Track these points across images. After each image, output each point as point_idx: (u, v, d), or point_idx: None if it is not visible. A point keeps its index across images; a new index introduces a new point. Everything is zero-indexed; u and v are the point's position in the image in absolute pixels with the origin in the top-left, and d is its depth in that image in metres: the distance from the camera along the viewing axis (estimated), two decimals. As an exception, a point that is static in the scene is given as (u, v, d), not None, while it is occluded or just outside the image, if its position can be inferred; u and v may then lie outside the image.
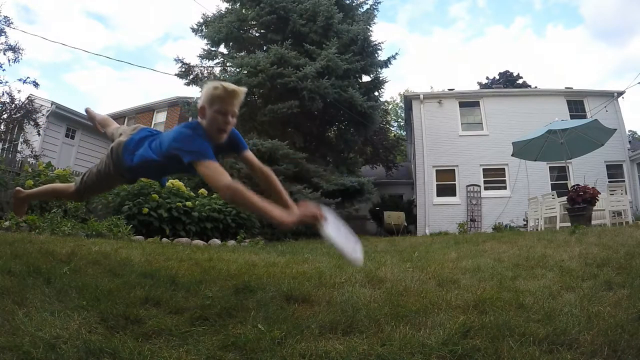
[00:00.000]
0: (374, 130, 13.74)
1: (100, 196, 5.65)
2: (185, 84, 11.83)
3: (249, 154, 1.88)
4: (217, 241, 5.54)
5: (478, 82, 26.45)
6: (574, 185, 6.67)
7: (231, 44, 11.86)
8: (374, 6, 12.54)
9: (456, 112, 13.95)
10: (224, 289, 1.76)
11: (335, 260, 2.98)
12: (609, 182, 10.86)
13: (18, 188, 2.36)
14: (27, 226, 3.93)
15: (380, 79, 12.26)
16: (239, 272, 2.24)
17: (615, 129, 8.91)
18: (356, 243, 1.62)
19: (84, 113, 2.71)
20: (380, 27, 46.86)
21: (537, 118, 11.65)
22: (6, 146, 9.89)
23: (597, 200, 6.32)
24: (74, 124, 11.69)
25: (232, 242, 5.64)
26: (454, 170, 13.34)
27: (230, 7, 11.96)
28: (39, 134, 9.31)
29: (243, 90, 1.67)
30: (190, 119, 13.75)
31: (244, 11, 11.62)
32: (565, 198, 6.63)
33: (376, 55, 11.67)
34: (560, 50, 50.26)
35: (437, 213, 12.89)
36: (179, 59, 11.65)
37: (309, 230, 9.81)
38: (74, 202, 4.94)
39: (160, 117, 17.02)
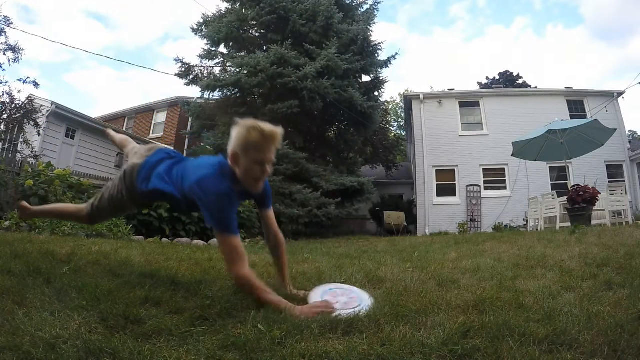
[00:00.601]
0: (374, 130, 13.76)
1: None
2: (185, 84, 11.86)
3: (271, 214, 1.79)
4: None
5: (478, 82, 26.48)
6: (574, 185, 6.67)
7: (231, 44, 11.86)
8: (374, 6, 12.56)
9: (456, 112, 13.96)
10: (224, 289, 1.76)
11: (335, 260, 2.98)
12: (609, 182, 10.86)
13: (24, 204, 2.21)
14: (27, 226, 3.93)
15: (380, 79, 12.28)
16: (239, 272, 2.23)
17: (615, 129, 8.91)
18: (363, 294, 1.61)
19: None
20: (380, 27, 46.94)
21: (537, 118, 11.66)
22: (6, 146, 9.89)
23: (597, 200, 6.32)
24: (74, 124, 11.68)
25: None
26: (454, 170, 13.34)
27: (230, 7, 11.97)
28: (39, 134, 9.30)
29: (281, 132, 1.50)
30: (190, 119, 13.77)
31: (244, 11, 11.63)
32: (565, 198, 6.63)
33: (376, 55, 11.68)
34: (560, 50, 50.36)
35: (437, 213, 12.89)
36: (179, 59, 11.67)
37: (309, 230, 9.82)
38: (74, 202, 4.95)
39: (160, 117, 17.02)
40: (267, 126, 1.47)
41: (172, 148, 1.95)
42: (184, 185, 1.54)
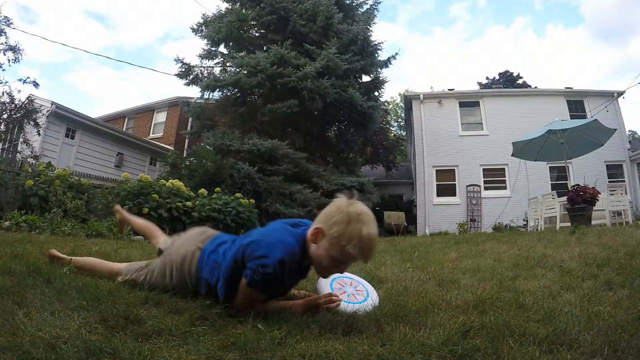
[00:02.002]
0: (374, 130, 13.77)
1: (100, 196, 5.65)
2: (185, 84, 11.85)
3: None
4: (217, 241, 5.53)
5: (478, 82, 26.48)
6: (574, 185, 6.67)
7: (231, 44, 11.87)
8: (374, 6, 12.56)
9: (456, 112, 13.96)
10: (224, 289, 1.76)
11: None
12: (609, 182, 10.87)
13: (53, 252, 1.93)
14: (27, 226, 3.93)
15: (380, 79, 12.28)
16: (239, 272, 2.23)
17: (615, 129, 8.92)
18: (371, 289, 1.61)
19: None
20: (380, 27, 46.96)
21: (537, 118, 11.66)
22: (6, 146, 9.89)
23: (597, 200, 6.32)
24: (74, 124, 11.69)
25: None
26: (454, 170, 13.35)
27: (230, 7, 11.97)
28: (39, 134, 9.32)
29: (376, 242, 1.30)
30: (190, 119, 13.76)
31: (244, 11, 11.63)
32: (565, 198, 6.63)
33: (376, 55, 11.68)
34: (560, 50, 50.36)
35: (437, 213, 12.90)
36: (179, 59, 11.67)
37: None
38: (74, 202, 4.94)
39: (160, 117, 17.03)
40: (369, 239, 1.24)
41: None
42: (246, 248, 1.30)
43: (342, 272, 1.38)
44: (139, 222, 2.27)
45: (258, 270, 1.23)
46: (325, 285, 1.61)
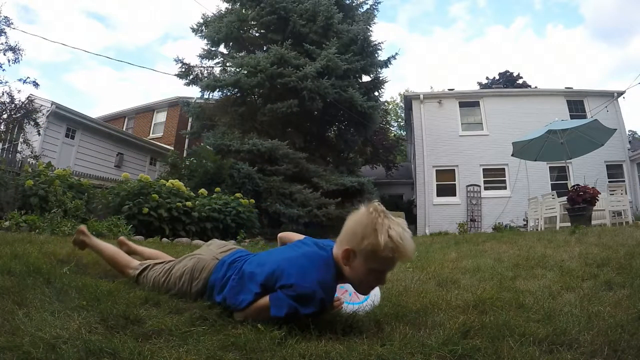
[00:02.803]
0: (374, 130, 13.76)
1: (100, 196, 5.65)
2: (185, 84, 11.84)
3: None
4: (218, 241, 5.53)
5: (478, 82, 26.47)
6: (574, 185, 6.67)
7: (231, 44, 11.86)
8: (374, 6, 12.55)
9: (456, 112, 13.96)
10: (224, 289, 1.76)
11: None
12: (609, 182, 10.87)
13: (83, 229, 2.00)
14: (27, 226, 3.92)
15: (380, 79, 12.27)
16: (239, 272, 2.23)
17: (615, 129, 8.92)
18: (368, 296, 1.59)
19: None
20: (380, 27, 46.84)
21: (537, 118, 11.67)
22: (6, 146, 9.89)
23: (597, 200, 6.32)
24: (74, 124, 11.69)
25: (232, 242, 5.63)
26: (454, 170, 13.35)
27: (230, 7, 11.97)
28: (39, 134, 9.31)
29: (413, 249, 1.22)
30: (190, 119, 13.76)
31: (244, 11, 11.63)
32: (565, 198, 6.63)
33: (376, 55, 11.67)
34: (560, 50, 50.36)
35: (437, 213, 12.90)
36: (179, 59, 11.66)
37: (309, 230, 9.82)
38: (74, 202, 4.94)
39: (160, 117, 17.03)
40: (401, 237, 1.19)
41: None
42: (274, 272, 1.26)
43: (384, 283, 1.31)
44: (108, 251, 1.94)
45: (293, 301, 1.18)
46: None
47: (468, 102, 14.12)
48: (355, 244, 1.21)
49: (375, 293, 1.57)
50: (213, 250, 1.62)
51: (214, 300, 1.42)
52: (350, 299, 1.51)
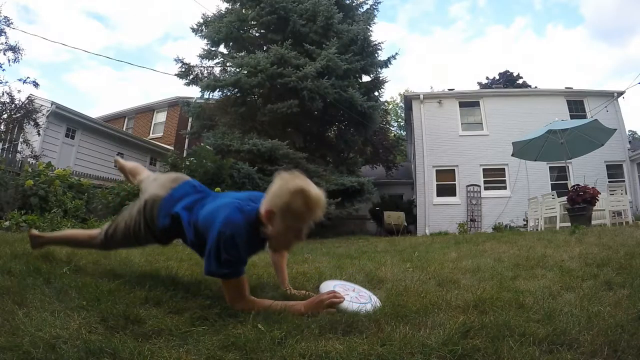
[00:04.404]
0: (374, 130, 13.76)
1: (100, 196, 5.65)
2: (185, 84, 11.84)
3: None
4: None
5: (478, 82, 26.48)
6: (574, 185, 6.67)
7: (231, 44, 11.86)
8: (374, 6, 12.55)
9: (456, 112, 13.96)
10: (224, 289, 1.76)
11: (335, 260, 2.99)
12: (609, 182, 10.87)
13: (34, 232, 2.07)
14: (27, 226, 3.93)
15: (380, 79, 12.27)
16: (239, 272, 2.23)
17: (615, 129, 8.92)
18: (370, 300, 1.60)
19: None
20: (380, 27, 46.95)
21: (537, 118, 11.66)
22: (6, 146, 9.89)
23: (597, 200, 6.32)
24: (74, 124, 11.69)
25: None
26: (454, 170, 13.34)
27: (230, 7, 11.96)
28: (39, 134, 9.31)
29: (324, 200, 1.38)
30: (190, 119, 13.76)
31: (244, 11, 11.63)
32: (565, 198, 6.63)
33: (376, 55, 11.67)
34: (560, 50, 50.37)
35: (437, 213, 12.89)
36: (179, 59, 11.65)
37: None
38: (74, 202, 4.94)
39: (160, 117, 17.03)
40: (313, 192, 1.33)
41: (198, 183, 1.81)
42: (198, 228, 1.45)
43: (302, 240, 1.43)
44: (67, 235, 2.05)
45: (221, 259, 1.32)
46: (329, 288, 1.63)
47: (468, 102, 14.12)
48: (274, 204, 1.35)
49: (377, 300, 1.57)
50: (166, 184, 1.69)
51: (159, 226, 1.56)
52: (352, 300, 1.51)
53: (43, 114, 9.66)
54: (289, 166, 9.51)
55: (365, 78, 12.29)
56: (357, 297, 1.56)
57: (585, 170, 11.08)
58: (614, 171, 12.58)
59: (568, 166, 10.27)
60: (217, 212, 1.39)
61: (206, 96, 11.82)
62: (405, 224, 12.65)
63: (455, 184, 13.27)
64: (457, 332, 1.17)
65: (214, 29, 11.15)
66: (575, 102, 13.51)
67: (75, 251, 2.16)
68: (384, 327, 1.25)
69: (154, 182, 1.74)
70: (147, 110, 17.33)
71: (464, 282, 2.01)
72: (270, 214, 1.35)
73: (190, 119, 13.86)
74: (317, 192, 1.36)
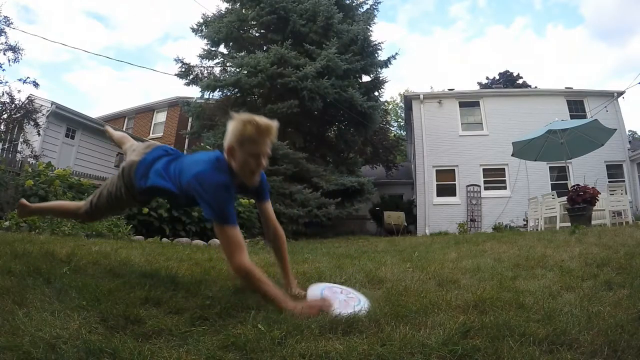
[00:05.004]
0: (374, 130, 13.76)
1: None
2: (185, 84, 11.86)
3: (269, 207, 1.81)
4: (217, 241, 5.53)
5: (478, 82, 26.49)
6: (574, 185, 6.66)
7: (231, 44, 11.87)
8: (374, 6, 12.56)
9: (456, 112, 13.95)
10: (224, 289, 1.76)
11: (335, 260, 2.98)
12: (609, 182, 10.86)
13: (23, 202, 2.25)
14: (27, 226, 3.92)
15: (380, 79, 12.28)
16: (239, 272, 2.23)
17: (615, 129, 8.91)
18: (360, 296, 1.59)
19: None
20: (380, 27, 46.97)
21: (537, 118, 11.66)
22: (6, 146, 9.89)
23: (597, 200, 6.32)
24: (74, 124, 11.69)
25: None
26: (454, 170, 13.34)
27: (230, 7, 11.97)
28: (39, 134, 9.30)
29: (276, 125, 1.53)
30: (190, 119, 13.76)
31: (244, 11, 11.63)
32: (565, 198, 6.63)
33: (376, 55, 11.68)
34: (560, 50, 50.36)
35: (437, 213, 12.89)
36: (179, 59, 11.66)
37: (309, 230, 9.82)
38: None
39: (160, 117, 17.03)
40: (262, 120, 1.50)
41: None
42: (182, 180, 1.56)
43: (263, 166, 1.56)
44: (54, 207, 2.32)
45: (214, 208, 1.45)
46: (316, 293, 1.60)
47: (468, 102, 14.11)
48: (231, 140, 1.51)
49: (366, 302, 1.55)
50: (140, 150, 1.84)
51: (137, 187, 1.71)
52: (341, 304, 1.49)
53: (43, 114, 9.65)
54: (289, 166, 9.53)
55: (365, 78, 12.30)
56: (345, 301, 1.53)
57: (585, 170, 11.08)
58: (614, 171, 12.57)
59: (568, 166, 10.27)
60: (196, 167, 1.53)
61: (206, 96, 11.83)
62: (405, 224, 12.65)
63: (455, 184, 13.27)
64: (457, 332, 1.17)
65: (214, 29, 11.15)
66: (575, 102, 13.51)
67: (75, 251, 2.16)
68: (384, 327, 1.25)
69: (132, 152, 1.88)
70: (147, 110, 17.33)
71: (464, 282, 2.01)
72: (231, 150, 1.51)
73: (190, 119, 13.87)
74: (265, 119, 1.50)
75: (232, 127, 1.52)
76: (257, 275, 1.43)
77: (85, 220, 2.19)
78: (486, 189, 13.04)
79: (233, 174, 1.54)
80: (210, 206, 1.46)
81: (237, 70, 10.57)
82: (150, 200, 1.91)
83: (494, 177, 13.14)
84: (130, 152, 1.90)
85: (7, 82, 8.42)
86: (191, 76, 11.80)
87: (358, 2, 12.66)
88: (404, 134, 23.57)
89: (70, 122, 11.54)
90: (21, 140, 9.04)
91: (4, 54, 8.18)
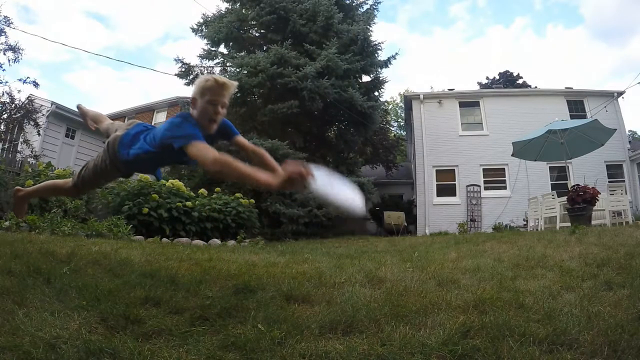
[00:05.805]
0: (374, 130, 13.74)
1: (100, 196, 5.65)
2: (185, 84, 11.82)
3: (241, 139, 1.95)
4: (217, 241, 5.54)
5: (478, 82, 26.47)
6: (574, 185, 6.66)
7: (231, 44, 11.86)
8: (374, 6, 12.55)
9: (456, 112, 13.95)
10: (224, 289, 1.76)
11: (335, 260, 2.98)
12: (609, 182, 10.85)
13: (17, 187, 2.38)
14: (27, 226, 3.92)
15: (380, 79, 12.27)
16: (239, 272, 2.24)
17: (615, 129, 8.91)
18: (354, 191, 1.60)
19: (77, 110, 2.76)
20: (380, 27, 46.84)
21: (537, 118, 11.64)
22: (6, 146, 9.89)
23: (597, 200, 6.31)
24: (74, 124, 11.69)
25: (232, 242, 5.63)
26: (454, 170, 13.33)
27: (230, 7, 11.96)
28: (39, 134, 9.31)
29: (234, 83, 1.74)
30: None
31: (244, 11, 11.63)
32: (565, 198, 6.63)
33: (376, 55, 11.67)
34: (560, 50, 50.34)
35: (437, 213, 12.88)
36: (179, 59, 11.65)
37: (309, 230, 9.82)
38: (74, 202, 4.94)
39: (160, 117, 17.02)
40: (220, 77, 1.73)
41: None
42: (156, 139, 1.74)
43: (220, 114, 1.72)
44: (46, 186, 2.43)
45: (182, 133, 1.60)
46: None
47: (468, 102, 14.11)
48: (194, 92, 1.72)
49: (358, 198, 1.55)
50: (124, 127, 2.03)
51: (121, 158, 1.86)
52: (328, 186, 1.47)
53: (43, 114, 9.66)
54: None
55: (365, 78, 12.29)
56: (333, 187, 1.51)
57: (585, 170, 11.08)
58: (614, 171, 12.57)
59: (568, 166, 10.27)
60: (166, 121, 1.75)
61: (206, 96, 11.81)
62: (405, 224, 12.65)
63: (455, 184, 13.26)
64: (457, 332, 1.17)
65: (214, 29, 11.15)
66: (575, 102, 13.50)
67: (75, 251, 2.16)
68: (384, 327, 1.25)
69: (119, 129, 2.06)
70: (147, 110, 17.33)
71: (464, 282, 2.01)
72: (194, 101, 1.71)
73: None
74: (225, 77, 1.71)
75: (196, 82, 1.75)
76: (232, 162, 1.50)
77: (74, 194, 2.41)
78: (486, 189, 13.03)
79: (197, 124, 1.69)
80: (179, 137, 1.59)
81: (237, 70, 10.56)
82: (132, 172, 2.12)
83: (494, 177, 13.13)
84: (113, 130, 2.11)
85: (7, 82, 8.43)
86: (191, 76, 11.78)
87: (358, 2, 12.66)
88: (404, 134, 23.56)
89: (70, 122, 11.53)
90: (21, 140, 9.05)
91: (4, 54, 8.19)
